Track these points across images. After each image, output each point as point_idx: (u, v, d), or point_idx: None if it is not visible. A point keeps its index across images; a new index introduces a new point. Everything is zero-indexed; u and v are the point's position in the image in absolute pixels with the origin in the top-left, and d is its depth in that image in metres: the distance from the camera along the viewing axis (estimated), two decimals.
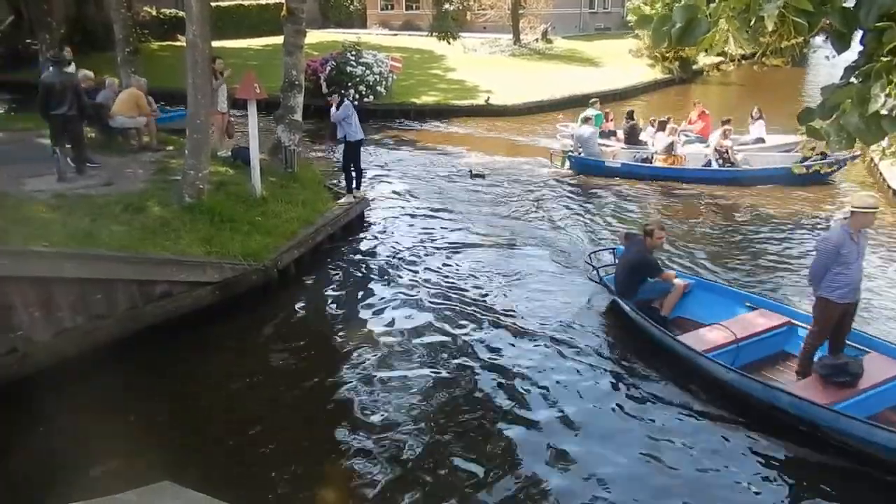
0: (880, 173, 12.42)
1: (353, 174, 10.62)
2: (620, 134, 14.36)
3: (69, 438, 5.24)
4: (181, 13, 32.54)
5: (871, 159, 12.98)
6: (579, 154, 13.23)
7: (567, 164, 13.42)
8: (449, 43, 27.84)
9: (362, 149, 10.91)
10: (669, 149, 13.03)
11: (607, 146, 13.76)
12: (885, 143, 12.35)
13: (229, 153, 11.12)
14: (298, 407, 5.81)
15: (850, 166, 13.11)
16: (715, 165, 12.75)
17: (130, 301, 6.57)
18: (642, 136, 14.08)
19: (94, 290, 6.24)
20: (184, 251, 7.23)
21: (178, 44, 29.30)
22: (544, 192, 12.22)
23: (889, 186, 11.71)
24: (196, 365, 6.46)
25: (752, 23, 1.78)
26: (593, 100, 15.13)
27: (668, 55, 28.95)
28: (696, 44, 1.96)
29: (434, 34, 28.04)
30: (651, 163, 13.16)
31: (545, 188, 12.51)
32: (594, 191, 12.37)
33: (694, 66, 30.55)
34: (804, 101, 24.48)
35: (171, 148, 11.31)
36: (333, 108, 10.29)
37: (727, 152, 12.70)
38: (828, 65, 42.02)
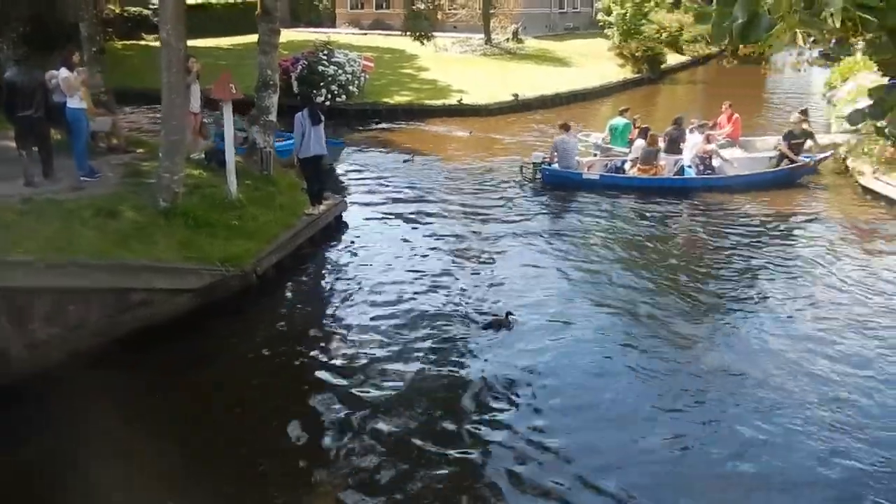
0: (851, 170, 12.67)
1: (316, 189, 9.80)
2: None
3: (45, 453, 5.03)
4: (146, 11, 31.86)
5: (844, 159, 13.26)
6: (553, 163, 12.36)
7: (538, 175, 12.46)
8: (423, 43, 27.69)
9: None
10: (651, 158, 12.13)
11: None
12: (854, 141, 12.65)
13: (202, 155, 10.86)
14: (282, 415, 5.68)
15: (822, 166, 13.36)
16: (692, 172, 12.18)
17: (107, 310, 6.35)
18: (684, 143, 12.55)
19: (69, 299, 6.02)
20: (161, 257, 7.03)
21: (143, 43, 28.69)
22: (515, 195, 12.02)
23: (859, 183, 11.97)
24: (176, 375, 6.27)
25: (821, 16, 1.72)
26: (623, 108, 14.47)
27: (637, 54, 29.31)
28: (760, 39, 1.89)
29: (408, 34, 27.83)
30: (626, 173, 12.37)
31: (516, 192, 12.23)
32: (562, 202, 11.86)
33: (662, 66, 30.98)
34: (769, 100, 24.97)
35: (141, 150, 11.01)
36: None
37: (709, 158, 12.19)
38: (787, 62, 43.27)
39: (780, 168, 12.29)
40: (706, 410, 5.73)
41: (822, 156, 12.61)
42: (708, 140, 12.38)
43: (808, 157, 12.32)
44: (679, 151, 12.34)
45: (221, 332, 7.00)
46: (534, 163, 12.47)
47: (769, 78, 34.37)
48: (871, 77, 16.24)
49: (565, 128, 12.57)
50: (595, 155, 13.65)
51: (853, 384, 5.97)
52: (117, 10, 30.86)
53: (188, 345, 6.68)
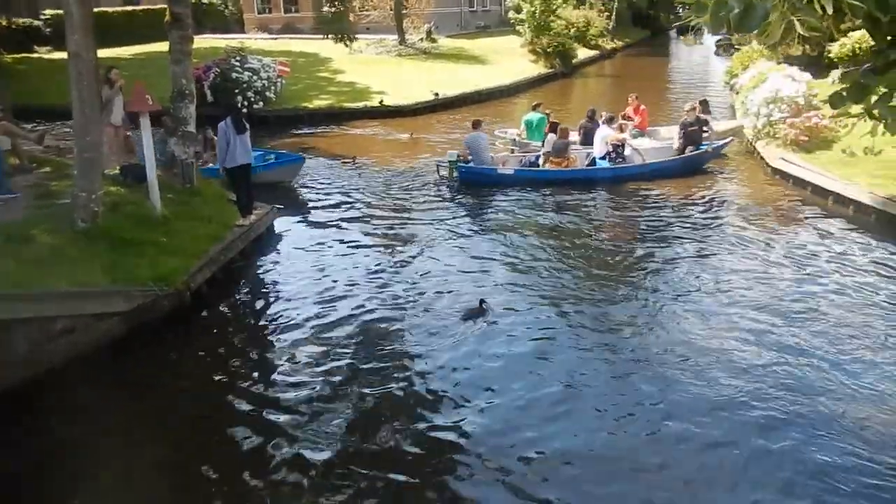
0: (759, 154, 13.41)
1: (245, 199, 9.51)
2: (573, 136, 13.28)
3: None
4: (37, 22, 29.98)
5: (749, 142, 14.00)
6: (468, 162, 12.39)
7: (455, 173, 12.33)
8: (347, 45, 27.30)
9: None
10: (562, 151, 12.33)
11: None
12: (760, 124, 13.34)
13: (118, 170, 10.29)
14: (218, 442, 5.44)
15: (732, 151, 14.06)
16: (605, 164, 12.32)
17: (30, 342, 5.90)
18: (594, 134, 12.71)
19: None
20: (85, 281, 6.59)
21: (36, 56, 26.96)
22: (436, 195, 11.96)
23: (768, 165, 12.67)
24: (107, 403, 5.89)
25: (815, 4, 1.77)
26: (536, 102, 14.71)
27: (549, 50, 30.03)
28: (756, 28, 1.93)
29: (329, 36, 27.34)
30: (540, 166, 12.51)
31: (438, 191, 12.18)
32: (483, 198, 11.77)
33: (574, 61, 31.88)
34: (672, 90, 26.12)
35: (48, 169, 10.32)
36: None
37: (622, 147, 12.40)
38: (685, 53, 45.54)
39: (684, 155, 12.77)
40: (628, 391, 5.86)
41: (721, 142, 13.19)
42: (621, 129, 12.75)
43: (706, 145, 12.80)
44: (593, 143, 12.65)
45: (153, 356, 6.62)
46: (449, 161, 12.39)
47: (671, 69, 36.29)
48: (769, 65, 17.29)
49: (476, 124, 12.67)
50: (513, 151, 13.84)
51: (764, 359, 6.20)
52: (3, 22, 28.86)
53: (118, 371, 6.30)
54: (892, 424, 5.29)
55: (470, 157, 12.42)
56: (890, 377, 5.90)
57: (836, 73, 17.66)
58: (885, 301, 7.39)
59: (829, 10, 1.80)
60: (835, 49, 17.67)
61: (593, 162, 12.52)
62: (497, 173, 12.30)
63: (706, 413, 5.48)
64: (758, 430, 5.26)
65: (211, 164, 11.89)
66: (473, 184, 12.23)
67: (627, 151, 12.52)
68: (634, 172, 12.37)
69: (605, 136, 12.34)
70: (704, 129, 13.06)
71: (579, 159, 12.69)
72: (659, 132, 14.61)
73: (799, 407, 5.52)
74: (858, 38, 16.20)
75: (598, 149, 12.41)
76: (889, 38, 2.01)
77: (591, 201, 11.51)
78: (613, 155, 12.33)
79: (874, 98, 2.05)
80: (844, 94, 2.11)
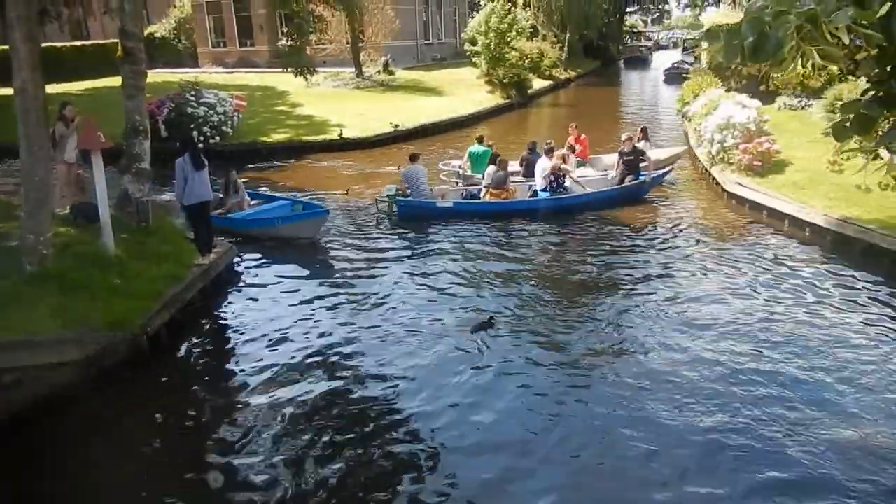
0: (714, 179, 13.70)
1: (204, 236, 9.27)
2: (515, 166, 13.37)
3: None
4: None
5: (705, 168, 14.30)
6: (407, 195, 12.20)
7: (394, 208, 12.13)
8: (306, 78, 27.16)
9: None
10: (501, 182, 12.28)
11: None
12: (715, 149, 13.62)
13: (67, 210, 9.89)
14: (180, 487, 5.15)
15: (686, 176, 14.32)
16: (546, 194, 12.26)
17: None
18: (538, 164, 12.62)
19: None
20: (34, 329, 6.22)
21: None
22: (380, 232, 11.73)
23: (724, 190, 12.95)
24: (58, 459, 5.52)
25: (827, 36, 1.73)
26: (479, 135, 14.69)
27: (505, 81, 30.51)
28: (769, 58, 1.87)
29: (289, 70, 27.17)
30: (480, 198, 12.40)
31: (382, 227, 11.96)
32: (424, 232, 11.55)
33: (529, 91, 32.44)
34: (623, 118, 26.68)
35: None
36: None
37: (564, 177, 12.40)
38: (636, 82, 46.94)
39: (623, 185, 12.83)
40: (584, 411, 5.93)
41: (660, 172, 13.33)
42: (564, 160, 12.73)
43: (644, 175, 12.83)
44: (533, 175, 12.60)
45: (107, 406, 6.25)
46: (388, 195, 12.21)
47: (623, 97, 37.25)
48: (718, 92, 17.81)
49: (413, 157, 12.55)
50: (457, 183, 13.78)
51: (722, 382, 6.26)
52: None
53: (67, 424, 5.91)
54: (853, 439, 5.36)
55: (409, 191, 12.25)
56: (849, 394, 6.01)
57: (781, 100, 18.38)
58: (843, 320, 7.53)
59: (846, 41, 1.77)
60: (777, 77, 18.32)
61: (535, 193, 12.50)
62: (436, 206, 12.13)
63: (669, 438, 5.47)
64: (717, 449, 5.30)
65: (233, 214, 11.40)
66: (413, 218, 12.03)
67: (567, 182, 12.50)
68: (574, 202, 12.36)
69: (544, 167, 12.33)
70: (642, 157, 13.11)
71: (521, 191, 12.65)
72: (601, 161, 14.75)
73: (760, 423, 5.59)
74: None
75: (539, 181, 12.38)
76: (890, 68, 1.99)
77: (531, 232, 11.39)
78: (555, 185, 12.30)
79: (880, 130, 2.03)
80: (848, 126, 2.08)
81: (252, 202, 12.03)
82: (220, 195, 11.79)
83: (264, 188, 14.18)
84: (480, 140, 14.20)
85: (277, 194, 13.11)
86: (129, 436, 5.90)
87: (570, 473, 5.18)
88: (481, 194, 12.51)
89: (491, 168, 12.53)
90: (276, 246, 10.77)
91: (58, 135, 10.45)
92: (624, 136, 13.53)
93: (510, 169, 12.92)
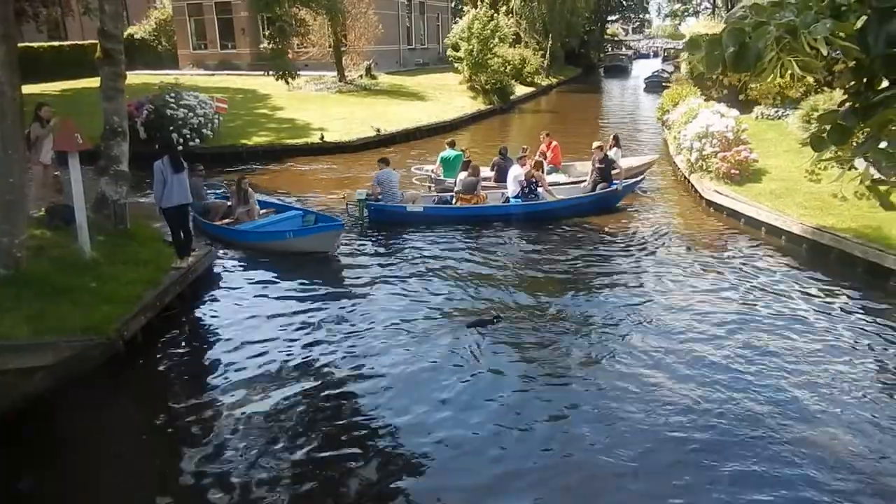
0: (693, 187, 13.86)
1: (183, 240, 9.16)
2: (486, 172, 13.46)
3: None
4: None
5: (685, 176, 14.45)
6: (378, 200, 12.08)
7: (365, 212, 12.09)
8: (287, 82, 26.99)
9: None
10: (471, 187, 12.25)
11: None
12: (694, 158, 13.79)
13: (43, 212, 9.74)
14: (157, 492, 5.10)
15: (665, 184, 14.45)
16: (518, 200, 12.25)
17: None
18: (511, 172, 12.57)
19: None
20: (7, 333, 6.11)
21: None
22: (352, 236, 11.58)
23: (702, 197, 13.10)
24: (31, 464, 5.40)
25: (806, 47, 1.77)
26: (451, 139, 14.68)
27: (487, 87, 30.64)
28: (751, 68, 1.91)
29: (271, 73, 26.96)
30: (452, 203, 12.37)
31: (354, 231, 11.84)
32: (395, 237, 11.50)
33: (511, 97, 32.60)
34: (604, 125, 26.86)
35: None
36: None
37: (537, 184, 12.36)
38: (617, 90, 47.40)
39: (595, 192, 12.85)
40: (563, 429, 5.86)
41: (632, 180, 13.38)
42: (537, 166, 12.68)
43: (615, 184, 12.78)
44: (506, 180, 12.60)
45: (82, 412, 6.15)
46: (358, 199, 12.11)
47: (603, 105, 37.60)
48: (698, 101, 18.04)
49: (384, 162, 12.40)
50: (430, 188, 13.76)
51: (698, 389, 6.32)
52: None
53: (42, 430, 5.81)
54: (827, 445, 5.45)
55: (380, 195, 12.13)
56: (818, 398, 6.12)
57: (759, 110, 18.67)
58: (816, 327, 7.65)
59: (825, 52, 1.81)
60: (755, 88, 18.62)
61: (507, 200, 12.48)
62: (406, 211, 12.08)
63: (649, 444, 5.51)
64: (695, 460, 5.33)
65: (242, 225, 11.00)
66: (383, 222, 11.99)
67: (539, 189, 12.49)
68: (545, 209, 12.33)
69: (517, 174, 12.33)
70: (613, 165, 13.09)
71: (493, 198, 12.61)
72: (575, 168, 14.83)
73: (736, 430, 5.66)
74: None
75: (511, 187, 12.37)
76: (865, 80, 2.04)
77: (502, 239, 11.38)
78: (527, 191, 12.29)
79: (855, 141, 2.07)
80: (825, 136, 2.12)
81: (262, 211, 11.65)
82: (229, 203, 11.59)
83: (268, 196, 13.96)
84: (452, 145, 14.20)
85: (289, 203, 12.83)
86: (103, 441, 5.81)
87: (542, 480, 5.18)
88: (453, 200, 12.52)
89: (463, 174, 12.54)
90: (257, 253, 10.61)
91: (33, 136, 10.31)
92: (595, 145, 13.38)
93: (483, 175, 12.95)
